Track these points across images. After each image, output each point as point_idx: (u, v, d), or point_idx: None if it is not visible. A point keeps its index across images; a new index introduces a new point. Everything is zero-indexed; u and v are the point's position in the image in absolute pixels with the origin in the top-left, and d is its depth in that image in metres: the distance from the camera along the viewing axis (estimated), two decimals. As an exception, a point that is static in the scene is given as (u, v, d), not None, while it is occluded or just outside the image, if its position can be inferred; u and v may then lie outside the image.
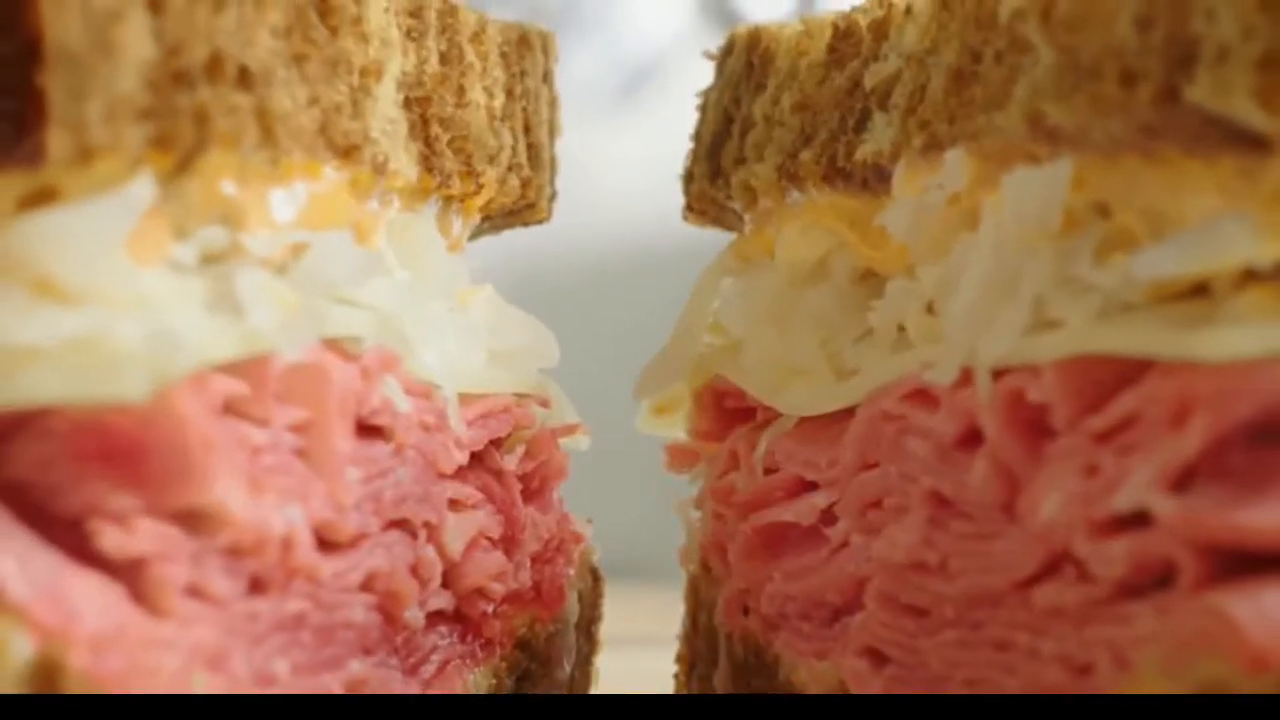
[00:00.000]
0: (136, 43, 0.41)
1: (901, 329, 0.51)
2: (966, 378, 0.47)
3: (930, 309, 0.49)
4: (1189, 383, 0.42)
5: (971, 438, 0.47)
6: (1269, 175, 0.42)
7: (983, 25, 0.49)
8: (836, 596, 0.53)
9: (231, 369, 0.43)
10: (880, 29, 0.49)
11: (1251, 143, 0.42)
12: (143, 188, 0.42)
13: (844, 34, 0.51)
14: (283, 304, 0.45)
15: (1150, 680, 0.43)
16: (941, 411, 0.48)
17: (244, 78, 0.44)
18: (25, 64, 0.38)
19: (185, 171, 0.44)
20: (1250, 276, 0.42)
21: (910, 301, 0.51)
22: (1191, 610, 0.42)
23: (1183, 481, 0.42)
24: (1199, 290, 0.43)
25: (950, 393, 0.48)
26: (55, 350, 0.41)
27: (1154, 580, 0.43)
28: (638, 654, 0.59)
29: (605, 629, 0.57)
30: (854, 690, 0.52)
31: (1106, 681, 0.44)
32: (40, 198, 0.41)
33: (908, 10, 0.49)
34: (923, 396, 0.49)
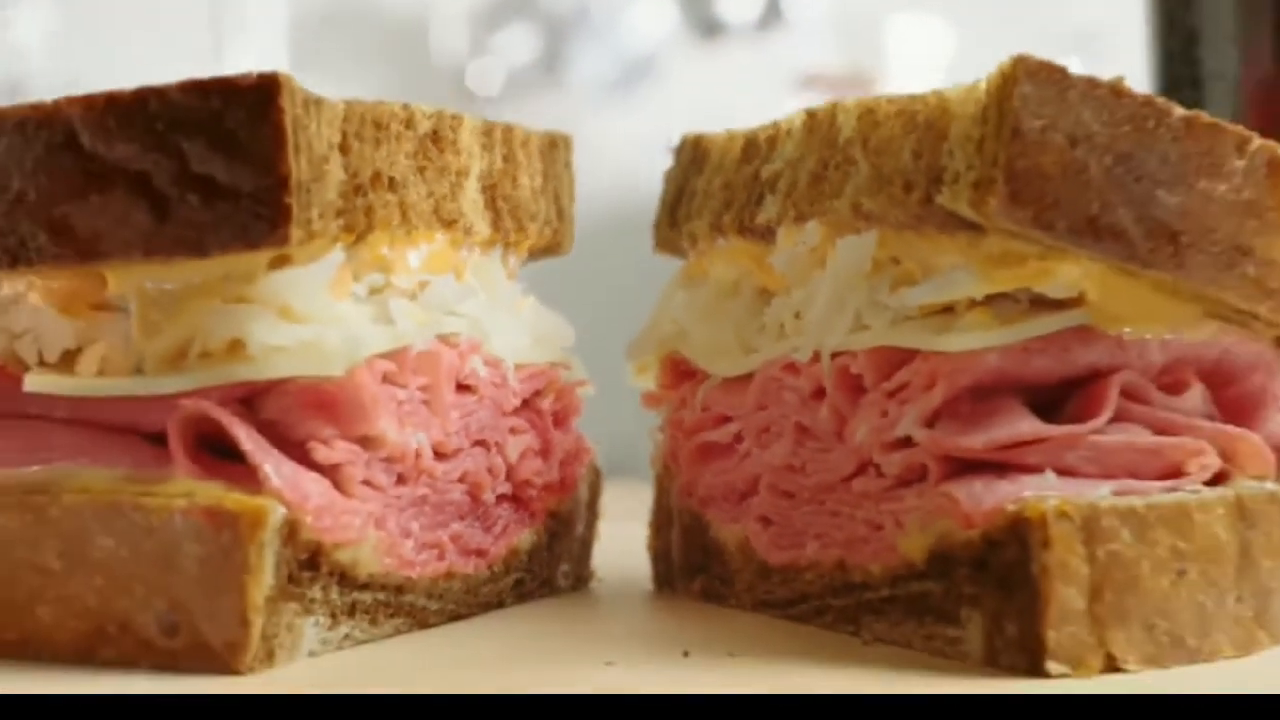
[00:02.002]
0: (335, 172, 0.51)
1: (781, 326, 0.58)
2: (816, 357, 0.56)
3: (797, 315, 0.57)
4: (937, 364, 0.51)
5: (819, 393, 0.56)
6: (983, 246, 0.51)
7: (829, 146, 0.56)
8: (742, 486, 0.61)
9: (387, 356, 0.53)
10: (772, 142, 0.59)
11: (973, 227, 0.50)
12: (336, 254, 0.52)
13: (751, 142, 0.60)
14: (415, 318, 0.54)
15: (913, 534, 0.52)
16: (802, 377, 0.57)
17: (391, 185, 0.54)
18: (278, 190, 0.48)
19: (360, 243, 0.53)
20: (973, 303, 0.52)
21: (786, 310, 0.58)
22: (935, 494, 0.51)
23: (931, 420, 0.51)
24: (946, 310, 0.52)
25: (807, 366, 0.56)
26: (292, 348, 0.51)
27: (916, 477, 0.52)
28: (625, 524, 0.67)
29: (605, 507, 0.66)
30: (752, 542, 0.59)
31: (889, 535, 0.53)
32: (282, 261, 0.51)
33: (788, 132, 0.58)
34: (792, 368, 0.57)
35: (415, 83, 5.86)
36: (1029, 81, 0.48)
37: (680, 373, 0.63)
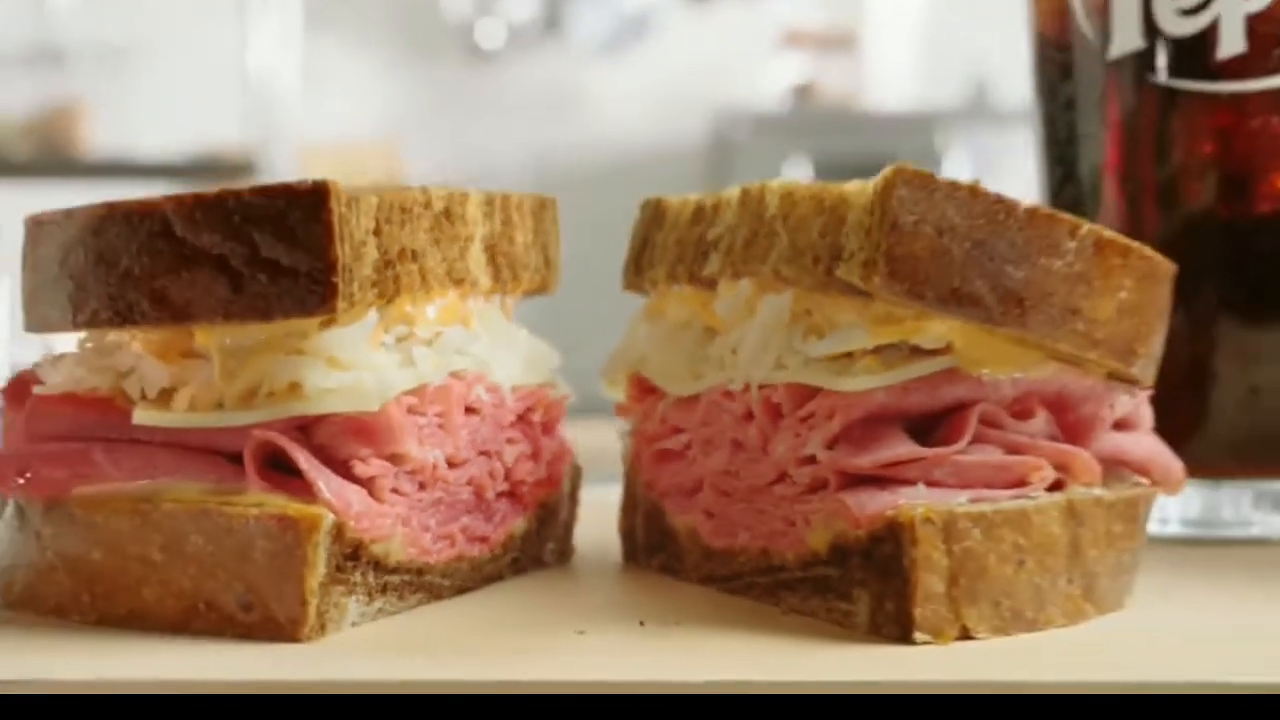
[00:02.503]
0: (370, 252, 0.59)
1: (721, 360, 0.66)
2: (747, 388, 0.64)
3: (733, 352, 0.65)
4: (837, 399, 0.60)
5: (749, 416, 0.64)
6: (872, 308, 0.59)
7: (758, 219, 0.64)
8: (690, 485, 0.68)
9: (411, 392, 0.61)
10: (715, 210, 0.67)
11: (864, 293, 0.58)
12: (371, 315, 0.60)
13: (699, 208, 0.68)
14: (432, 361, 0.62)
15: (818, 531, 0.60)
16: (736, 402, 0.64)
17: (413, 256, 0.62)
18: (327, 272, 0.57)
19: (389, 304, 0.61)
20: (865, 352, 0.60)
21: (725, 347, 0.65)
22: (833, 501, 0.60)
23: (831, 443, 0.60)
24: (844, 357, 0.61)
25: (740, 394, 0.64)
26: (338, 389, 0.59)
27: (820, 486, 0.61)
28: (609, 487, 0.75)
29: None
30: (698, 530, 0.67)
31: (799, 535, 0.61)
32: (329, 323, 0.59)
33: (728, 204, 0.66)
34: (729, 394, 0.65)
35: (425, 40, 5.90)
36: (904, 186, 0.57)
37: (643, 390, 0.71)
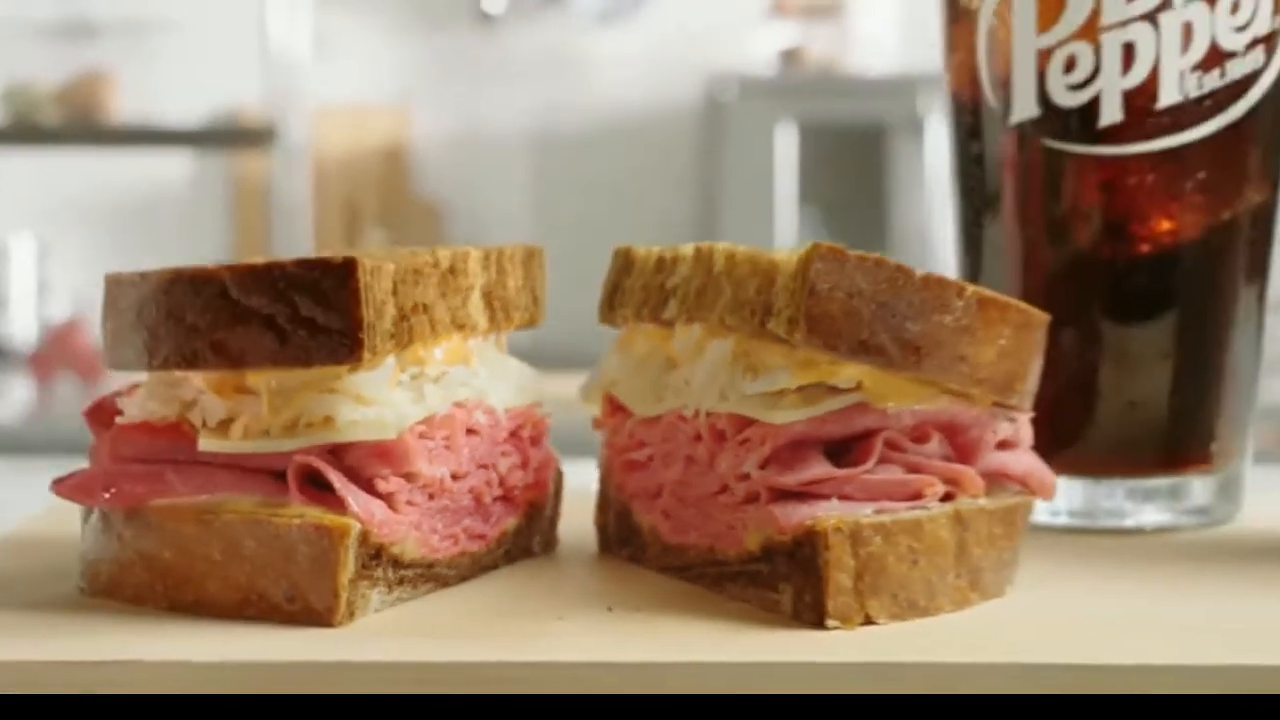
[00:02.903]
0: (389, 310, 0.67)
1: (678, 389, 0.73)
2: (697, 414, 0.72)
3: (687, 383, 0.72)
4: (768, 429, 0.68)
5: (698, 437, 0.72)
6: (797, 354, 0.68)
7: (707, 274, 0.71)
8: (653, 490, 0.76)
9: (422, 422, 0.69)
10: (674, 262, 0.74)
11: (787, 342, 0.67)
12: (391, 360, 0.68)
13: (661, 259, 0.75)
14: (439, 395, 0.70)
15: (752, 534, 0.68)
16: (689, 425, 0.72)
17: (425, 309, 0.70)
18: (355, 330, 0.65)
19: (404, 351, 0.69)
20: (790, 391, 0.68)
21: (680, 379, 0.73)
22: (765, 511, 0.68)
23: (764, 464, 0.68)
24: (775, 394, 0.68)
25: (692, 419, 0.72)
26: (363, 421, 0.67)
27: (754, 499, 0.69)
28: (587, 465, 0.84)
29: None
30: (658, 528, 0.74)
31: (738, 536, 0.69)
32: (356, 368, 0.67)
33: (684, 258, 0.74)
34: (683, 418, 0.73)
35: (432, 7, 5.95)
36: (820, 260, 0.66)
37: (615, 409, 0.78)
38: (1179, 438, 0.86)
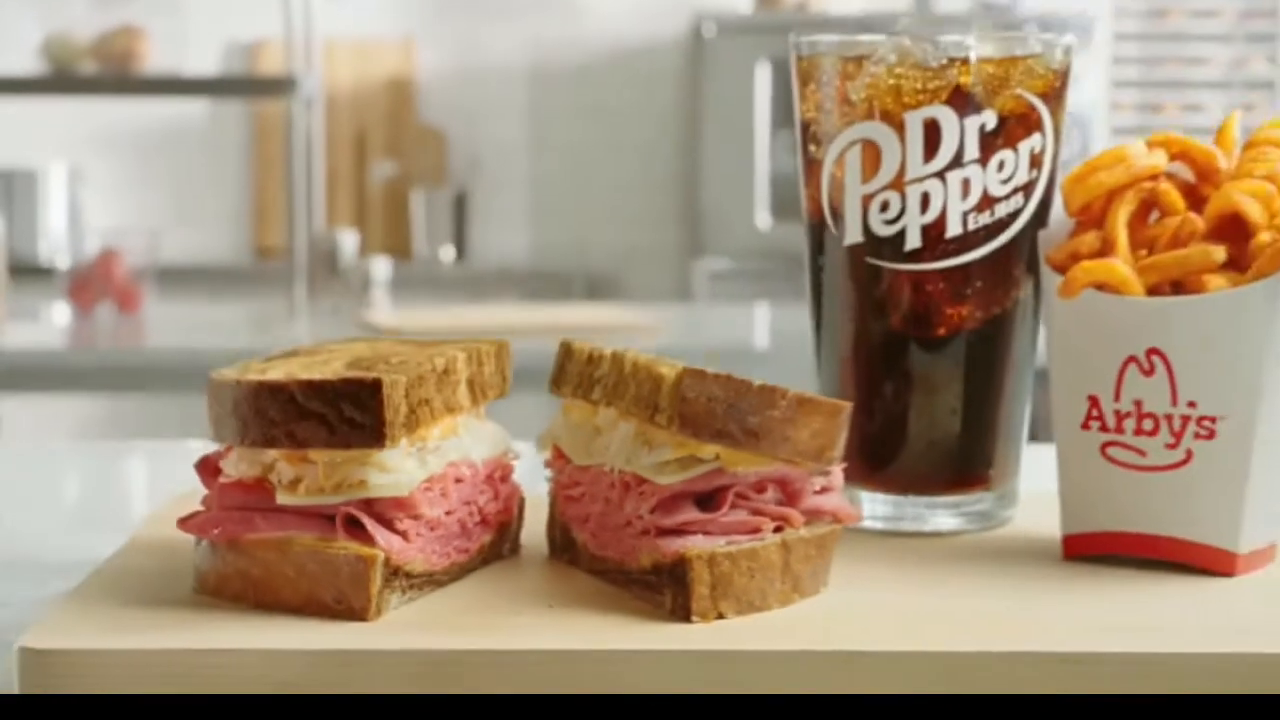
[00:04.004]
0: (403, 408, 0.87)
1: (601, 450, 0.93)
2: (613, 470, 0.92)
3: (606, 448, 0.92)
4: (657, 486, 0.89)
5: (613, 486, 0.92)
6: (675, 437, 0.87)
7: (620, 373, 0.92)
8: (583, 517, 0.95)
9: (425, 480, 0.89)
10: (599, 359, 0.93)
11: (668, 430, 0.99)
12: (404, 441, 0.88)
13: (589, 355, 0.94)
14: (436, 460, 0.90)
15: (645, 556, 0.88)
16: (607, 477, 0.92)
17: (427, 403, 0.89)
18: (381, 427, 0.86)
19: (411, 433, 0.88)
20: (671, 461, 0.88)
21: (602, 445, 0.93)
22: (652, 542, 0.90)
23: (653, 510, 0.88)
24: (663, 463, 0.87)
25: (609, 473, 0.92)
26: (385, 483, 0.88)
27: (647, 532, 0.89)
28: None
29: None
30: (587, 544, 0.94)
31: (637, 556, 0.89)
32: (381, 448, 0.88)
33: (606, 358, 0.93)
34: (604, 472, 0.94)
35: (437, -46, 6.08)
36: (688, 378, 0.96)
37: (559, 455, 0.97)
38: (965, 466, 1.09)
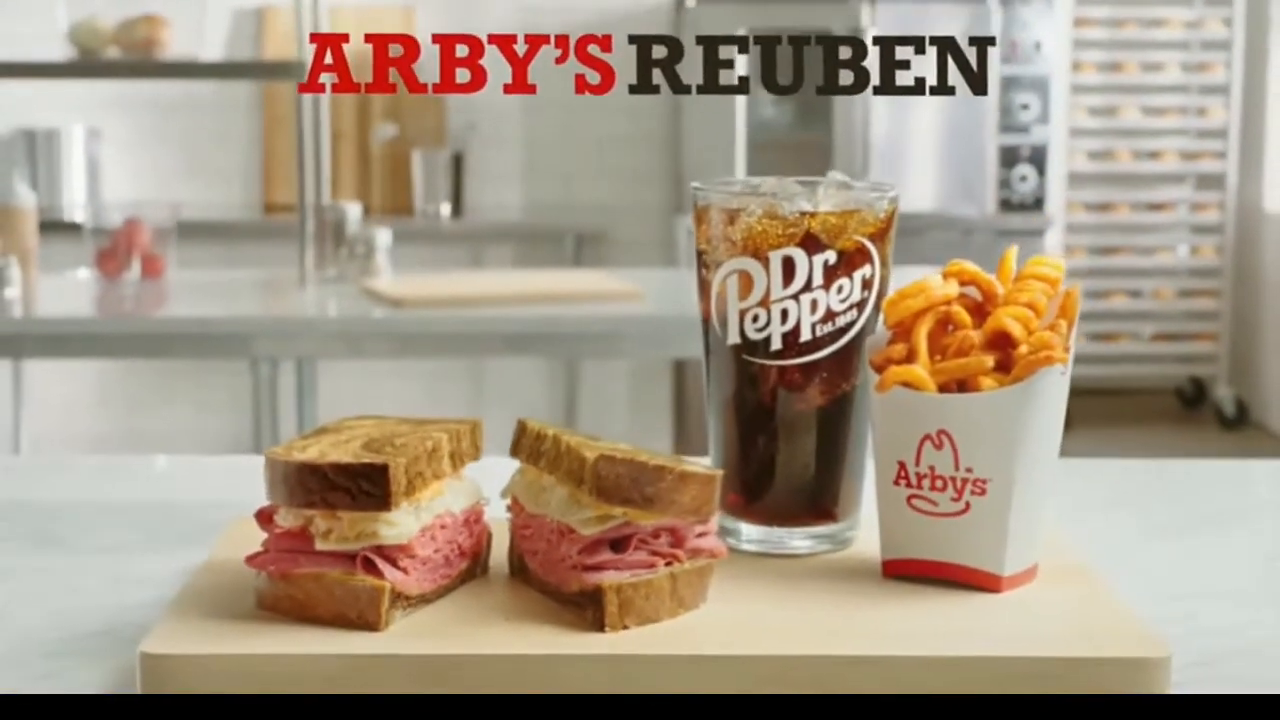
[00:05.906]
0: (403, 480, 1.14)
1: (545, 504, 1.18)
2: (552, 520, 1.17)
3: (549, 503, 1.17)
4: (581, 536, 1.15)
5: (553, 531, 1.17)
6: (595, 501, 1.42)
7: (557, 451, 1.20)
8: (532, 550, 1.20)
9: (419, 530, 1.15)
10: (544, 438, 1.18)
11: (590, 496, 1.47)
12: (405, 504, 1.16)
13: (538, 434, 1.21)
14: (426, 515, 1.14)
15: (575, 584, 1.15)
16: (549, 524, 1.17)
17: (420, 474, 1.13)
18: (387, 498, 1.14)
19: (409, 497, 1.13)
20: (592, 517, 1.14)
21: (546, 500, 1.18)
22: (579, 575, 1.18)
23: (580, 551, 1.15)
24: (587, 518, 1.13)
25: (549, 521, 1.17)
26: (392, 534, 1.15)
27: (576, 568, 1.14)
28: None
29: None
30: (536, 571, 1.19)
31: (569, 583, 1.16)
32: (388, 510, 1.31)
33: (549, 437, 1.25)
34: (546, 521, 1.20)
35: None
36: (602, 461, 1.35)
37: (517, 504, 1.21)
38: (819, 503, 1.31)
